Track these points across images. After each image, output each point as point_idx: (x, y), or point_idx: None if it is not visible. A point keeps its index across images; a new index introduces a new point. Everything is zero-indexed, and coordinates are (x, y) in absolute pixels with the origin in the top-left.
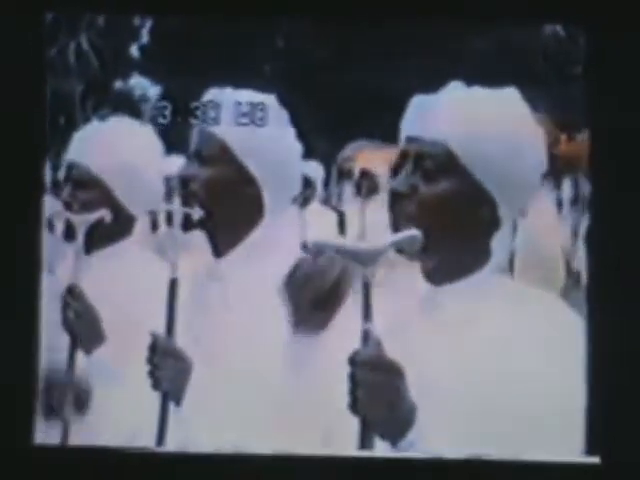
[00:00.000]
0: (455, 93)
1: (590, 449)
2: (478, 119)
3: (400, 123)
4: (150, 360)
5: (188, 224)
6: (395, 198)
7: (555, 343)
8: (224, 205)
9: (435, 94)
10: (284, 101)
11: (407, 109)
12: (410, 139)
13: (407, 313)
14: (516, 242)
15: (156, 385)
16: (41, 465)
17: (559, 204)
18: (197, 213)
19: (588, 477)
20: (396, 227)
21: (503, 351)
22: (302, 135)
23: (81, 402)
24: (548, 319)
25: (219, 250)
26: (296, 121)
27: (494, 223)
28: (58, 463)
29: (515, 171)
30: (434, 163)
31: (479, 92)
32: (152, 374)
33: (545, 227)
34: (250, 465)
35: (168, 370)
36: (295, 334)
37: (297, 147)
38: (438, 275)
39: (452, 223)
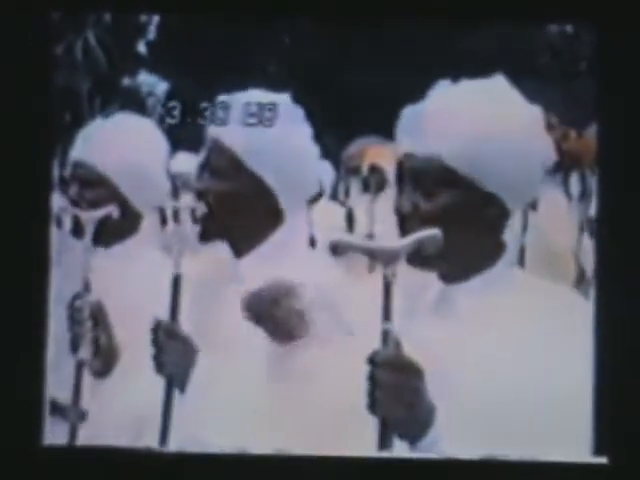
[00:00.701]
0: (442, 97)
1: (598, 449)
2: (470, 120)
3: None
4: (154, 342)
5: (206, 235)
6: (401, 218)
7: (568, 339)
8: (240, 214)
9: (422, 102)
10: (298, 99)
11: (399, 122)
12: (406, 156)
13: (421, 313)
14: (527, 237)
15: (159, 369)
16: (50, 465)
17: (568, 199)
18: (201, 209)
19: (596, 477)
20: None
21: (518, 348)
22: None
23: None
24: (562, 314)
25: (239, 251)
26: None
27: (504, 217)
28: (67, 463)
29: (517, 161)
30: (431, 180)
31: (466, 87)
32: (156, 357)
33: (555, 222)
34: (254, 465)
35: (172, 354)
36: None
37: (312, 147)
38: (451, 274)
39: (459, 230)
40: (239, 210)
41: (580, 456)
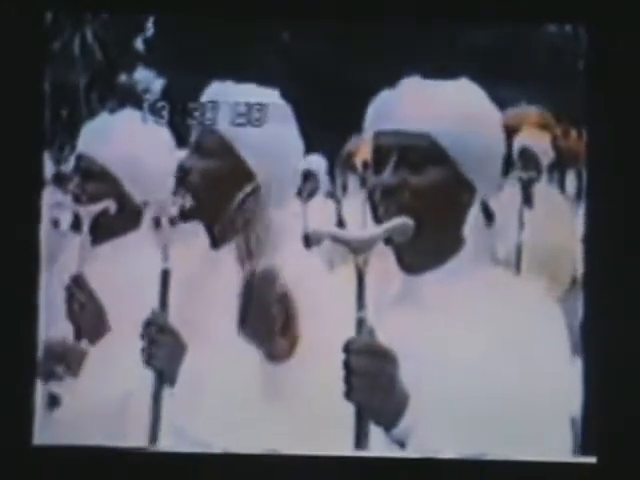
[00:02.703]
0: (414, 85)
1: (587, 449)
2: (435, 105)
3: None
4: (144, 336)
5: (183, 214)
6: (384, 193)
7: (541, 333)
8: (221, 198)
9: (394, 89)
10: (287, 97)
11: (372, 107)
12: (387, 133)
13: (385, 303)
14: (522, 237)
15: (148, 361)
16: (40, 465)
17: (565, 197)
18: (188, 202)
19: (585, 477)
20: (384, 220)
21: (479, 345)
22: (305, 129)
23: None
24: (527, 309)
25: (216, 241)
26: (299, 116)
27: (469, 209)
28: (57, 463)
29: (480, 155)
30: (420, 154)
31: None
32: (146, 350)
33: (552, 221)
34: (244, 464)
35: (162, 347)
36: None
37: (299, 143)
38: (415, 264)
39: (441, 211)
40: (220, 191)
41: (569, 456)
